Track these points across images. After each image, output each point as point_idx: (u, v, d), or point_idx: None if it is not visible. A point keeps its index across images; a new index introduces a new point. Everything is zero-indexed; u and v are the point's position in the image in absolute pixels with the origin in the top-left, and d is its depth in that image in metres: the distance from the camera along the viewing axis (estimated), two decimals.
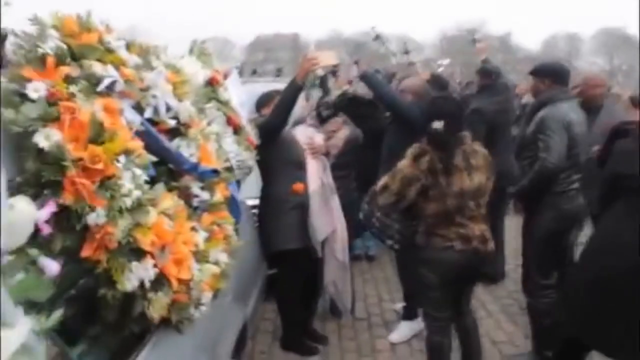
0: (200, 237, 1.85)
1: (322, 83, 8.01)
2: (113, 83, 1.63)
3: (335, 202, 3.85)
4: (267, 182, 3.84)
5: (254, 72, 11.72)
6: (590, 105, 4.43)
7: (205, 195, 2.04)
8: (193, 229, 1.83)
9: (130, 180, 1.50)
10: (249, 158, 3.04)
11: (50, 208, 1.20)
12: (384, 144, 4.49)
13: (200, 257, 1.81)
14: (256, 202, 3.92)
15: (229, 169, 2.47)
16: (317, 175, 3.77)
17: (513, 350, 4.06)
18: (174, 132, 2.07)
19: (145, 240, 1.47)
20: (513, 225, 5.11)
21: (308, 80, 8.16)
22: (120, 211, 1.45)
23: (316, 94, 6.83)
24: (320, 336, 4.19)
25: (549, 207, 3.70)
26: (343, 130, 4.27)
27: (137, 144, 1.62)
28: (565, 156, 3.58)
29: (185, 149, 2.05)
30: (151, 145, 1.76)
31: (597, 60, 52.64)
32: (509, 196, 4.62)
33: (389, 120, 4.46)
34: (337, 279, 4.00)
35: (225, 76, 3.13)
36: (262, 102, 3.99)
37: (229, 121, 2.83)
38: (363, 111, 4.90)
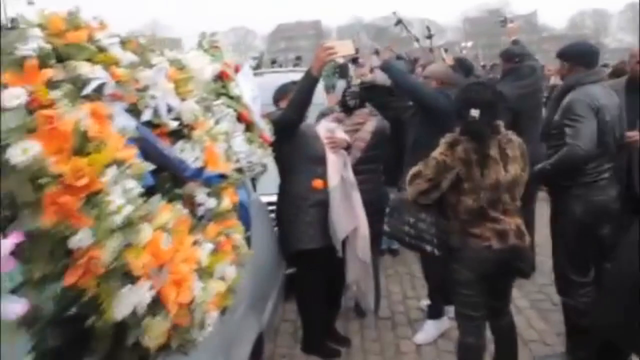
0: (204, 251, 1.68)
1: (343, 71, 7.83)
2: (102, 85, 1.47)
3: (357, 198, 3.66)
4: (285, 178, 3.67)
5: (273, 62, 11.56)
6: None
7: (211, 202, 1.87)
8: (196, 242, 1.67)
9: (121, 195, 1.34)
10: (264, 156, 2.87)
11: (15, 238, 1.05)
12: (409, 135, 4.31)
13: (204, 274, 1.65)
14: (273, 198, 3.76)
15: (240, 171, 2.29)
16: (337, 171, 3.59)
17: (545, 350, 3.87)
18: (177, 135, 1.91)
19: (138, 263, 1.31)
20: (540, 213, 4.85)
21: (328, 70, 7.98)
22: (109, 231, 1.30)
23: (342, 84, 6.64)
24: (343, 338, 4.05)
25: (577, 200, 3.46)
26: (370, 123, 4.06)
27: (130, 153, 1.45)
28: (595, 143, 3.34)
29: (189, 153, 1.88)
30: (148, 153, 1.60)
31: (625, 37, 51.31)
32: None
33: (413, 111, 4.26)
34: (360, 278, 3.83)
35: (237, 69, 2.96)
36: (279, 94, 3.82)
37: (241, 118, 2.67)
38: (382, 100, 4.70)
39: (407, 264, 5.57)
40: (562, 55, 3.71)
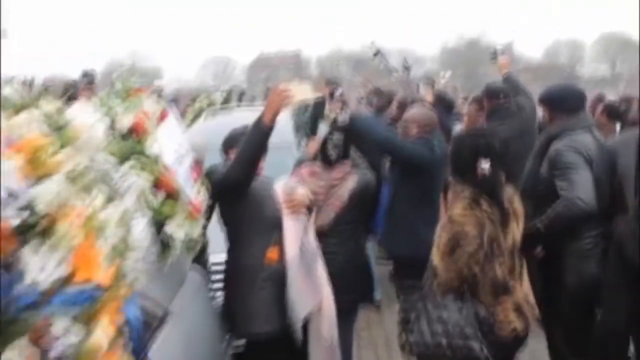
0: None
1: (317, 109, 7.18)
2: None
3: (320, 269, 3.02)
4: (234, 246, 3.03)
5: (242, 94, 10.77)
6: None
7: (74, 334, 1.24)
8: None
9: None
10: (193, 228, 2.25)
11: None
12: (388, 187, 3.78)
13: None
14: (221, 257, 3.13)
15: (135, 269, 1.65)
16: (295, 239, 2.96)
17: None
18: (30, 233, 1.28)
19: None
20: None
21: (298, 108, 7.31)
22: None
23: (324, 128, 5.99)
24: None
25: (571, 272, 2.95)
26: (351, 179, 3.35)
27: None
28: (594, 197, 2.80)
29: (44, 259, 1.26)
30: None
31: (600, 67, 52.35)
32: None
33: (391, 161, 3.73)
34: None
35: (163, 116, 2.36)
36: (228, 143, 3.20)
37: (160, 184, 2.06)
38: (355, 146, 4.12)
39: (384, 324, 4.93)
40: (542, 100, 3.25)
